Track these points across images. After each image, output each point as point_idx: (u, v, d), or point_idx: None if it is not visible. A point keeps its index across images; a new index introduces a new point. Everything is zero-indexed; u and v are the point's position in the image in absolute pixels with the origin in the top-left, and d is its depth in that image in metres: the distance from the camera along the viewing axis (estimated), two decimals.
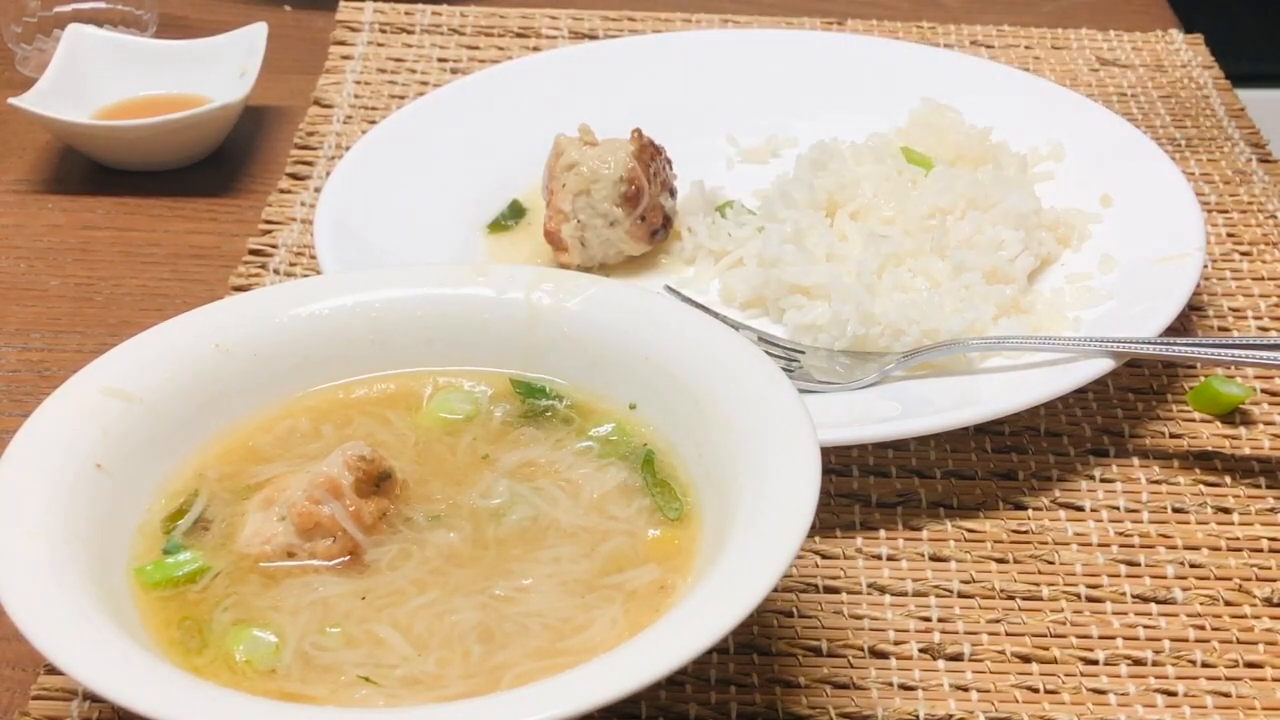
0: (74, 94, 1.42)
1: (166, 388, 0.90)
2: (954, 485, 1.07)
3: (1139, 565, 1.01)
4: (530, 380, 0.96)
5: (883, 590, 0.98)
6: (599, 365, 0.95)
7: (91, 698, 0.89)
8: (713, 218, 1.29)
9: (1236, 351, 1.06)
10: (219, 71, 1.46)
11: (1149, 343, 1.07)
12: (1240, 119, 1.51)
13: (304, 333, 0.95)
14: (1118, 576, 1.00)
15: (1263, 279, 1.29)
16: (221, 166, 1.42)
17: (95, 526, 0.82)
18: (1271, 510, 1.06)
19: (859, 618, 0.96)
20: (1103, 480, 1.08)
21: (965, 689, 0.92)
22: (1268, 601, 0.98)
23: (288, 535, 0.85)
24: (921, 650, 0.94)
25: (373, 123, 1.43)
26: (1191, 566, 1.01)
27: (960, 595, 0.98)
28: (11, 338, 1.20)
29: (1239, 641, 0.96)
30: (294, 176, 1.39)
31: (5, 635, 0.90)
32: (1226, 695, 0.92)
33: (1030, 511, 1.05)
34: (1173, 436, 1.12)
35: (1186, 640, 0.96)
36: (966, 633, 0.96)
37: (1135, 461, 1.09)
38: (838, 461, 1.07)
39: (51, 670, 0.90)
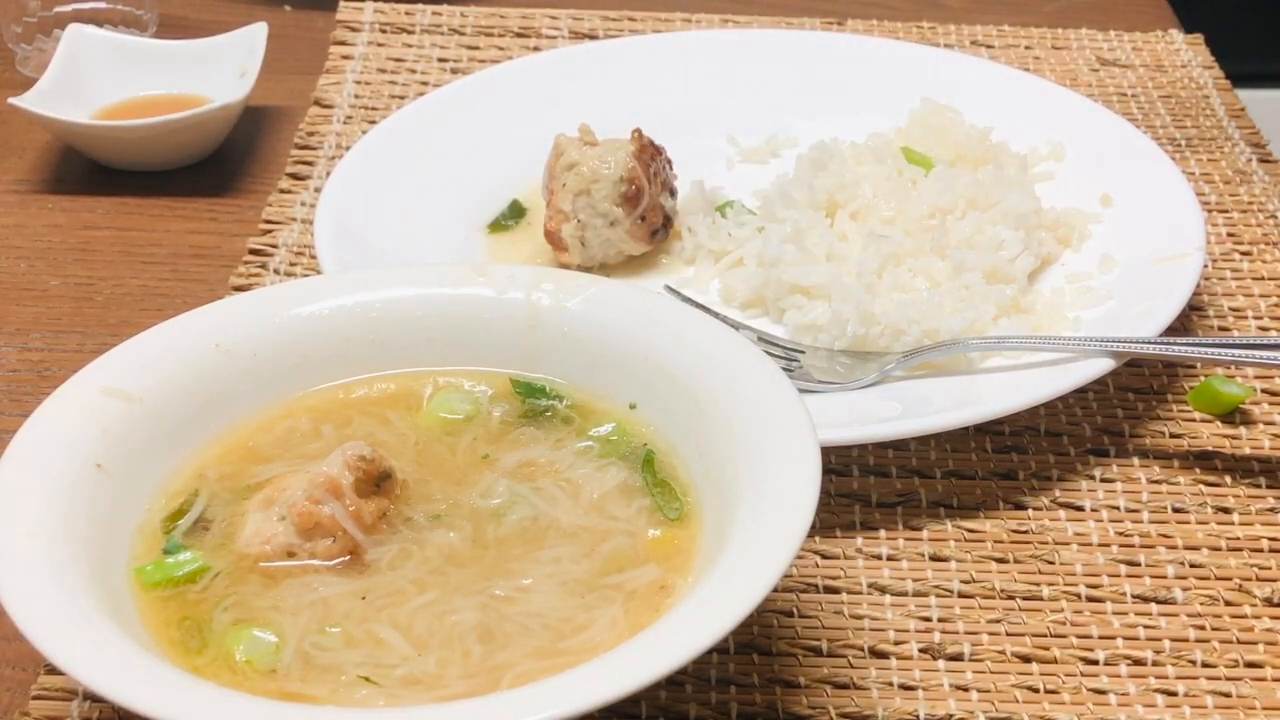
0: (74, 94, 1.42)
1: (166, 388, 0.90)
2: (954, 485, 1.07)
3: (1139, 565, 1.01)
4: (530, 380, 0.96)
5: (883, 590, 0.98)
6: (599, 365, 0.95)
7: (91, 698, 0.89)
8: (713, 218, 1.29)
9: (1236, 351, 1.06)
10: (219, 71, 1.46)
11: (1149, 343, 1.07)
12: (1240, 119, 1.51)
13: (304, 333, 0.95)
14: (1118, 576, 1.00)
15: (1263, 279, 1.29)
16: (221, 166, 1.42)
17: (95, 526, 0.82)
18: (1271, 510, 1.06)
19: (859, 618, 0.96)
20: (1103, 480, 1.08)
21: (965, 689, 0.92)
22: (1268, 601, 0.98)
23: (288, 535, 0.85)
24: (921, 650, 0.94)
25: (373, 123, 1.43)
26: (1192, 566, 1.01)
27: (960, 595, 0.98)
28: (11, 338, 1.20)
29: (1239, 641, 0.96)
30: (294, 176, 1.39)
31: (5, 635, 0.90)
32: (1227, 695, 0.92)
33: (1030, 511, 1.05)
34: (1173, 436, 1.12)
35: (1187, 640, 0.96)
36: (967, 633, 0.96)
37: (1135, 461, 1.09)
38: (838, 461, 1.07)
39: (51, 670, 0.90)
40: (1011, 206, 1.23)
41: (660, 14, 1.69)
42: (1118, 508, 1.05)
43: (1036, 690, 0.92)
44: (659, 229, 1.25)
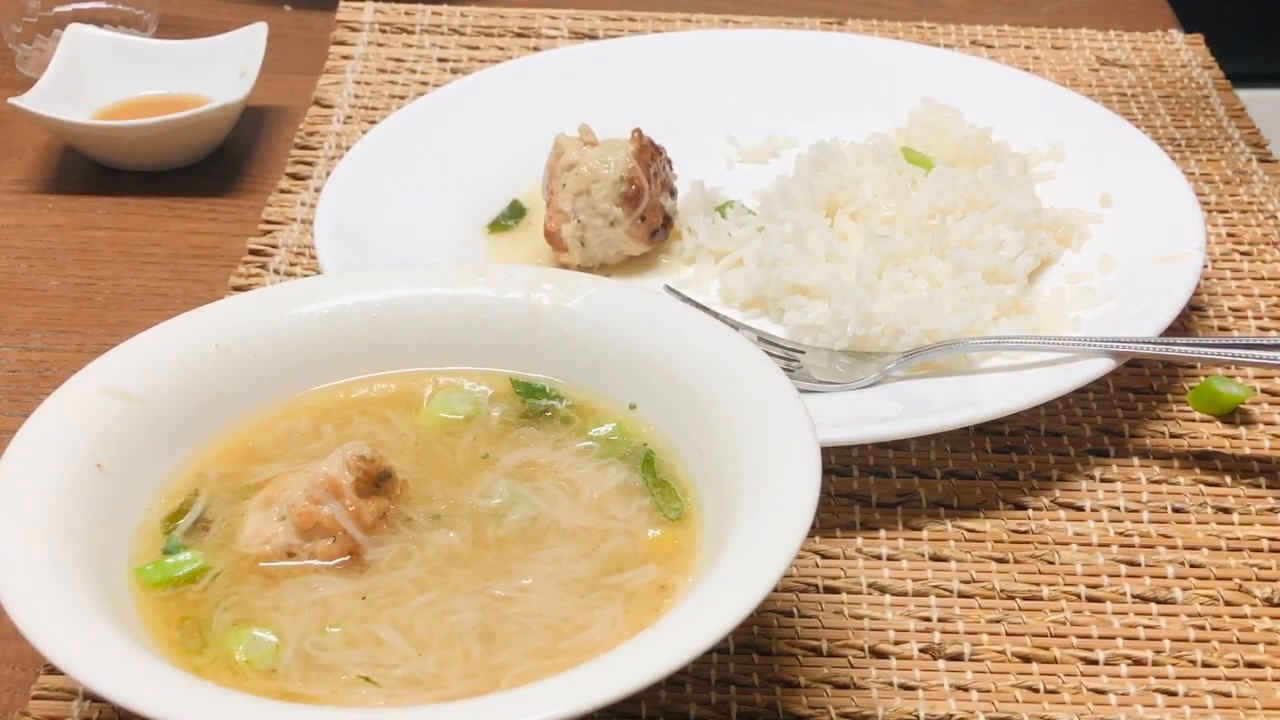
0: (74, 94, 1.42)
1: (166, 388, 0.90)
2: (954, 485, 1.07)
3: (1139, 565, 1.01)
4: (530, 380, 0.96)
5: (883, 590, 0.98)
6: (599, 365, 0.95)
7: (91, 698, 0.89)
8: (713, 218, 1.29)
9: (1236, 351, 1.06)
10: (219, 71, 1.46)
11: (1149, 343, 1.07)
12: (1240, 119, 1.51)
13: (304, 333, 0.95)
14: (1118, 576, 1.00)
15: (1263, 279, 1.29)
16: (221, 166, 1.42)
17: (95, 526, 0.82)
18: (1271, 510, 1.06)
19: (859, 618, 0.96)
20: (1103, 480, 1.08)
21: (965, 689, 0.92)
22: (1268, 601, 0.98)
23: (288, 535, 0.85)
24: (922, 650, 0.94)
25: (373, 123, 1.43)
26: (1191, 566, 1.01)
27: (960, 595, 0.98)
28: (11, 338, 1.20)
29: (1239, 641, 0.96)
30: (294, 176, 1.39)
31: (5, 635, 0.90)
32: (1227, 695, 0.92)
33: (1030, 511, 1.05)
34: (1173, 436, 1.12)
35: (1187, 640, 0.96)
36: (967, 633, 0.96)
37: (1135, 461, 1.09)
38: (838, 461, 1.07)
39: (51, 670, 0.90)
40: (1011, 206, 1.23)
41: (660, 14, 1.69)
42: (1118, 508, 1.05)
43: (1036, 690, 0.92)
44: (659, 229, 1.25)
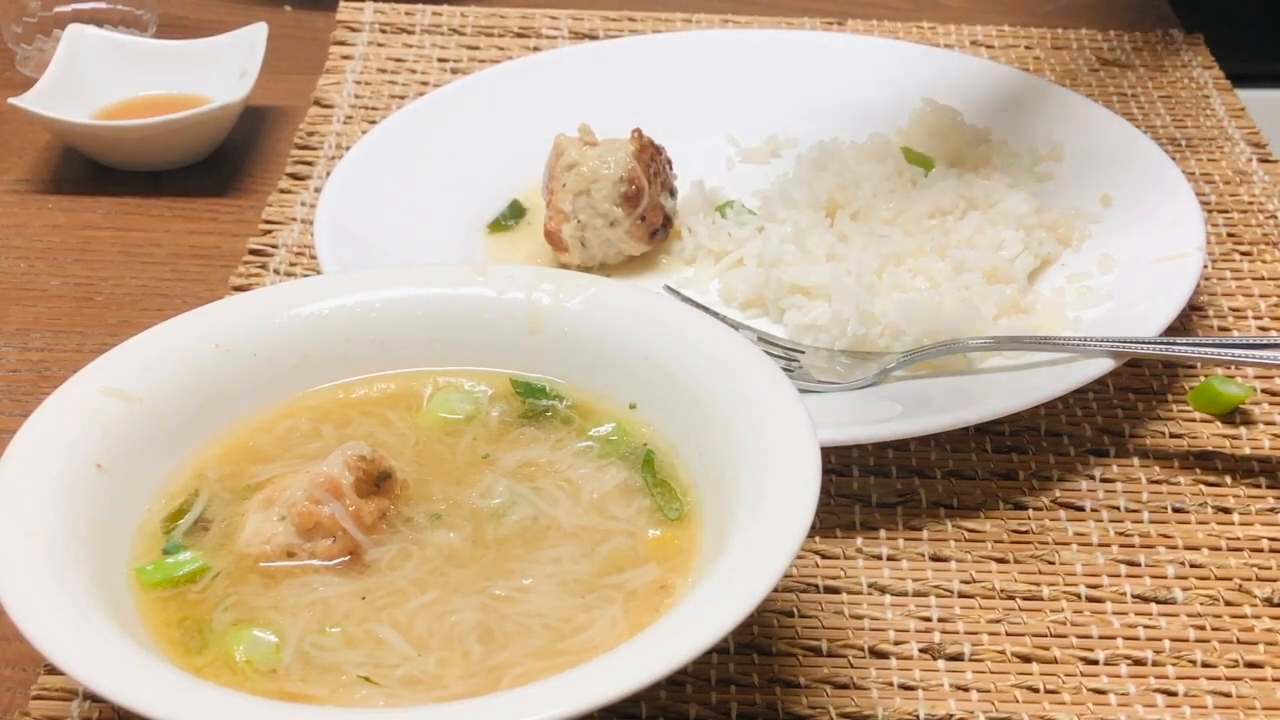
0: (74, 94, 1.42)
1: (166, 388, 0.90)
2: (954, 485, 1.07)
3: (1139, 565, 1.01)
4: (530, 380, 0.96)
5: (883, 590, 0.98)
6: (599, 365, 0.95)
7: (91, 698, 0.89)
8: (713, 218, 1.29)
9: (1236, 351, 1.06)
10: (219, 71, 1.46)
11: (1149, 343, 1.07)
12: (1240, 119, 1.51)
13: (304, 333, 0.95)
14: (1118, 576, 1.00)
15: (1263, 279, 1.29)
16: (221, 166, 1.42)
17: (95, 526, 0.82)
18: (1271, 510, 1.06)
19: (859, 618, 0.96)
20: (1103, 480, 1.08)
21: (965, 689, 0.92)
22: (1268, 601, 0.98)
23: (288, 535, 0.85)
24: (921, 650, 0.94)
25: (373, 123, 1.43)
26: (1192, 566, 1.01)
27: (960, 595, 0.98)
28: (11, 338, 1.20)
29: (1239, 641, 0.96)
30: (294, 176, 1.39)
31: (5, 635, 0.90)
32: (1227, 695, 0.92)
33: (1030, 511, 1.05)
34: (1173, 436, 1.12)
35: (1187, 640, 0.96)
36: (966, 633, 0.96)
37: (1135, 461, 1.09)
38: (838, 461, 1.07)
39: (51, 670, 0.90)
40: (1011, 206, 1.23)
41: (660, 14, 1.69)
42: (1118, 508, 1.05)
43: (1036, 690, 0.92)
44: (659, 229, 1.25)
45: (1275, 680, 0.93)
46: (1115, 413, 1.14)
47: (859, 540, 1.02)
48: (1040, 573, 1.00)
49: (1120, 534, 1.03)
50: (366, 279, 0.98)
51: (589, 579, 0.84)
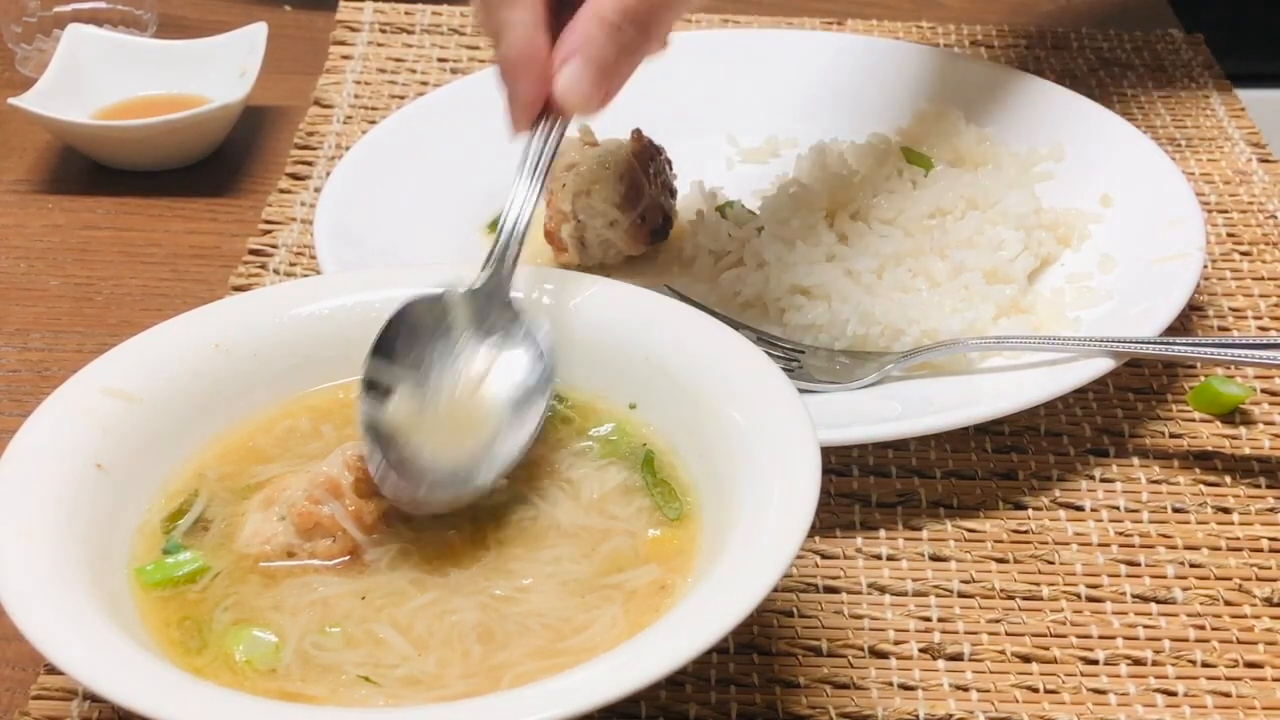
0: (74, 94, 1.42)
1: (166, 388, 0.90)
2: (954, 485, 1.07)
3: (1139, 565, 1.01)
4: None
5: (883, 590, 0.98)
6: (599, 365, 0.95)
7: (91, 698, 0.89)
8: (713, 218, 1.29)
9: (1236, 351, 1.06)
10: (219, 71, 1.46)
11: (1149, 343, 1.07)
12: (1240, 119, 1.51)
13: (304, 333, 0.95)
14: (1118, 576, 1.00)
15: (1263, 279, 1.29)
16: (221, 166, 1.42)
17: (95, 526, 0.82)
18: (1271, 510, 1.06)
19: (859, 618, 0.96)
20: (1103, 480, 1.08)
21: (965, 689, 0.92)
22: (1268, 601, 0.98)
23: (288, 535, 0.85)
24: (921, 650, 0.94)
25: (373, 123, 1.43)
26: (1191, 566, 1.01)
27: (960, 595, 0.98)
28: (11, 338, 1.20)
29: (1239, 641, 0.96)
30: (294, 176, 1.39)
31: (5, 635, 0.90)
32: (1226, 695, 0.92)
33: (1030, 511, 1.05)
34: (1173, 436, 1.12)
35: (1186, 640, 0.96)
36: (966, 633, 0.96)
37: (1135, 461, 1.09)
38: (838, 461, 1.07)
39: (51, 670, 0.90)
40: (1011, 206, 1.23)
41: None
42: (1118, 508, 1.05)
43: (1036, 690, 0.92)
44: (659, 229, 1.25)
45: (1275, 680, 0.93)
46: (1115, 413, 1.14)
47: (859, 540, 1.02)
48: (1040, 573, 1.00)
49: (1120, 534, 1.03)
50: (366, 279, 0.98)
51: (589, 579, 0.84)
